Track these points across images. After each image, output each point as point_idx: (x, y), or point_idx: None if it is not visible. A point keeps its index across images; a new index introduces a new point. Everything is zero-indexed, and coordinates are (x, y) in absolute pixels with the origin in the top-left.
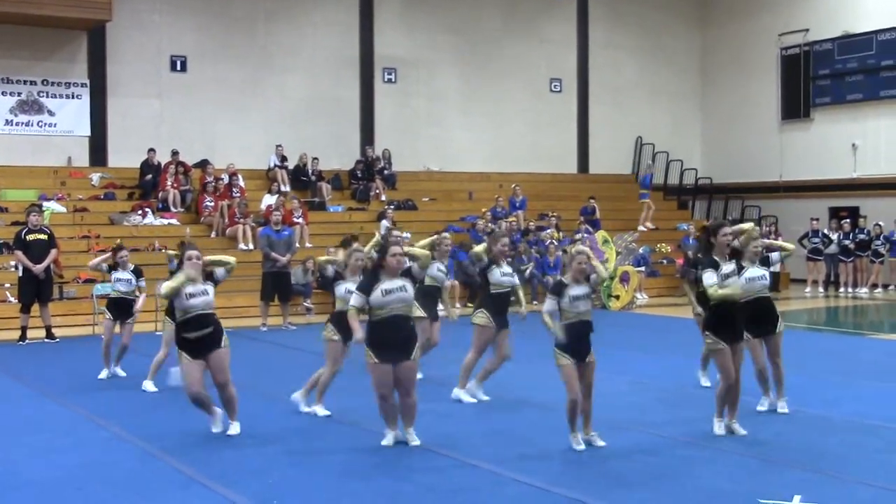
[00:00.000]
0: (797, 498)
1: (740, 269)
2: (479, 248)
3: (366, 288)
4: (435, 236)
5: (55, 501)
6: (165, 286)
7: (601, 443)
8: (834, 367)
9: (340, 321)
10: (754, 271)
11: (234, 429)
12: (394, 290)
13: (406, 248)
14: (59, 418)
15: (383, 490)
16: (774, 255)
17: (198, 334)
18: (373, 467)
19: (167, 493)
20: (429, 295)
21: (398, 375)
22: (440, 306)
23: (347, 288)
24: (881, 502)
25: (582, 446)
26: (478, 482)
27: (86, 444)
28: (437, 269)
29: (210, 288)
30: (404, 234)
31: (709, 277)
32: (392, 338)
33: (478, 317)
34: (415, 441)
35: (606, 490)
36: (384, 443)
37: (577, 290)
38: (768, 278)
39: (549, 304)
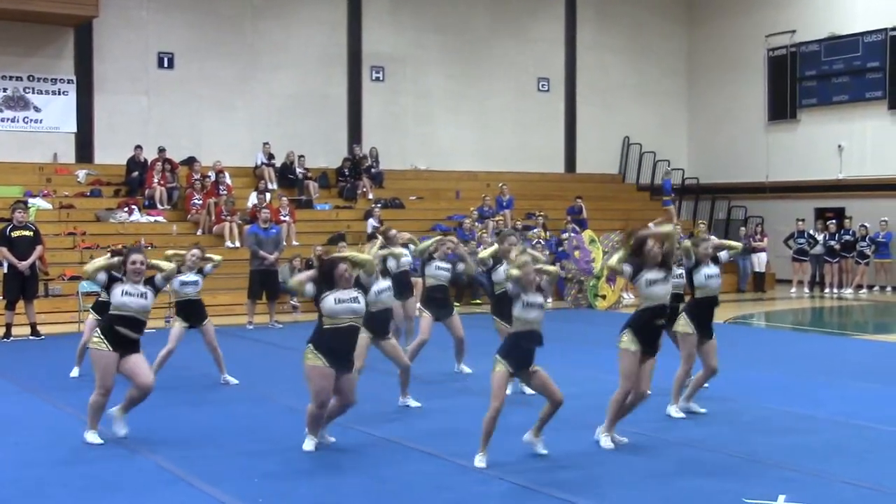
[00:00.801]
0: (782, 497)
1: (694, 267)
2: (485, 252)
3: (321, 288)
4: (436, 239)
5: (39, 499)
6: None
7: (543, 451)
8: (819, 368)
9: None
10: (711, 269)
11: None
12: (346, 301)
13: (347, 254)
14: (44, 415)
15: (368, 488)
16: (723, 254)
17: (125, 332)
18: (358, 466)
19: (153, 491)
20: (434, 297)
21: (340, 388)
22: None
23: (437, 265)
24: (865, 502)
25: (483, 464)
26: (463, 480)
27: (71, 441)
28: (437, 268)
29: (150, 293)
30: (391, 231)
31: (615, 258)
32: (341, 348)
33: (496, 322)
34: (330, 440)
35: (593, 490)
36: (307, 448)
37: (532, 298)
38: (720, 278)
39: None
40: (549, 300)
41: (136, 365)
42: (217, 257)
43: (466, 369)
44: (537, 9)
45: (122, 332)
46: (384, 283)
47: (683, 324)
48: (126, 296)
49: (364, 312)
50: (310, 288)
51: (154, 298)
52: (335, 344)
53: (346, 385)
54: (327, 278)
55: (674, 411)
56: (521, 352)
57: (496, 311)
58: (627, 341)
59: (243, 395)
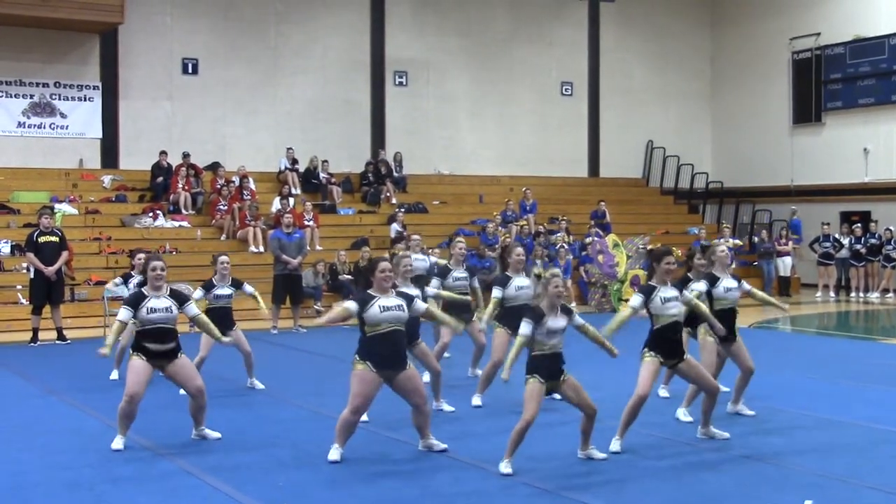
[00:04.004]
0: (808, 503)
1: (713, 281)
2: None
3: (362, 304)
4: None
5: (67, 501)
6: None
7: (601, 455)
8: (845, 372)
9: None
10: (730, 282)
11: (213, 433)
12: (391, 308)
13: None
14: (70, 419)
15: (392, 493)
16: (745, 284)
17: (157, 347)
18: (381, 470)
19: (177, 493)
20: (454, 305)
21: (403, 387)
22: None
23: (455, 276)
24: None
25: (510, 470)
26: (487, 485)
27: (96, 444)
28: (454, 279)
29: (175, 307)
30: (414, 237)
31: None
32: (388, 352)
33: (496, 328)
34: (441, 445)
35: (616, 493)
36: (332, 458)
37: (554, 323)
38: (739, 292)
39: (524, 327)
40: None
41: (179, 374)
42: (252, 291)
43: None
44: (560, 12)
45: (154, 348)
46: (415, 291)
47: (703, 332)
48: (151, 313)
49: (406, 319)
50: (351, 306)
51: (178, 313)
52: (382, 349)
53: (409, 384)
54: (366, 275)
55: (682, 414)
56: (547, 369)
57: (501, 320)
58: (649, 357)
59: (268, 400)
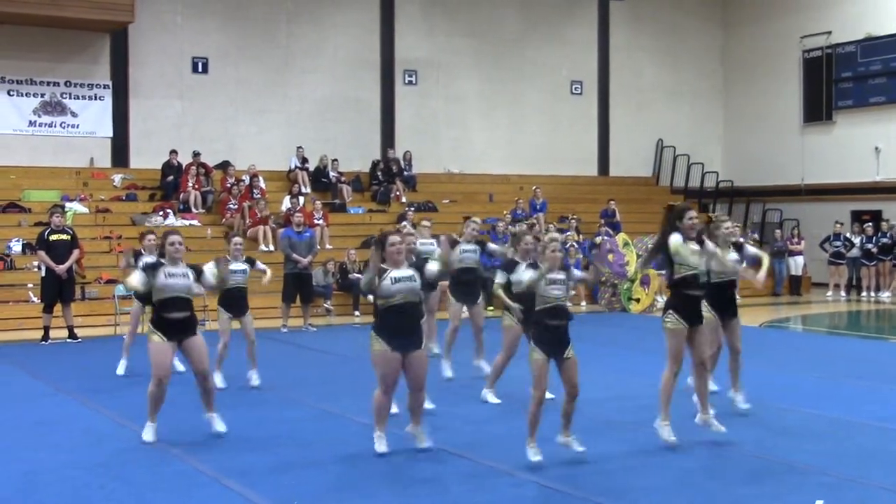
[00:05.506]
0: (819, 503)
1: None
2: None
3: (371, 280)
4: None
5: (77, 499)
6: (129, 281)
7: (580, 448)
8: (855, 372)
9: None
10: (730, 255)
11: (220, 425)
12: (403, 279)
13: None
14: (81, 417)
15: (400, 491)
16: (750, 249)
17: (176, 315)
18: (391, 468)
19: (187, 492)
20: (462, 281)
21: (409, 367)
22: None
23: (463, 248)
24: None
25: (539, 457)
26: (496, 484)
27: (107, 443)
28: (463, 251)
29: (192, 273)
30: (424, 221)
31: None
32: (402, 325)
33: (505, 318)
34: (425, 442)
35: (625, 493)
36: (380, 450)
37: (555, 275)
38: (739, 265)
39: (498, 276)
40: (573, 283)
41: (192, 350)
42: (264, 267)
43: (486, 367)
44: (569, 12)
45: (172, 317)
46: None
47: (704, 310)
48: (169, 277)
49: (419, 291)
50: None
51: (195, 280)
52: (396, 321)
53: (415, 365)
54: (379, 248)
55: (740, 402)
56: (551, 332)
57: (508, 308)
58: (671, 321)
59: (277, 399)
